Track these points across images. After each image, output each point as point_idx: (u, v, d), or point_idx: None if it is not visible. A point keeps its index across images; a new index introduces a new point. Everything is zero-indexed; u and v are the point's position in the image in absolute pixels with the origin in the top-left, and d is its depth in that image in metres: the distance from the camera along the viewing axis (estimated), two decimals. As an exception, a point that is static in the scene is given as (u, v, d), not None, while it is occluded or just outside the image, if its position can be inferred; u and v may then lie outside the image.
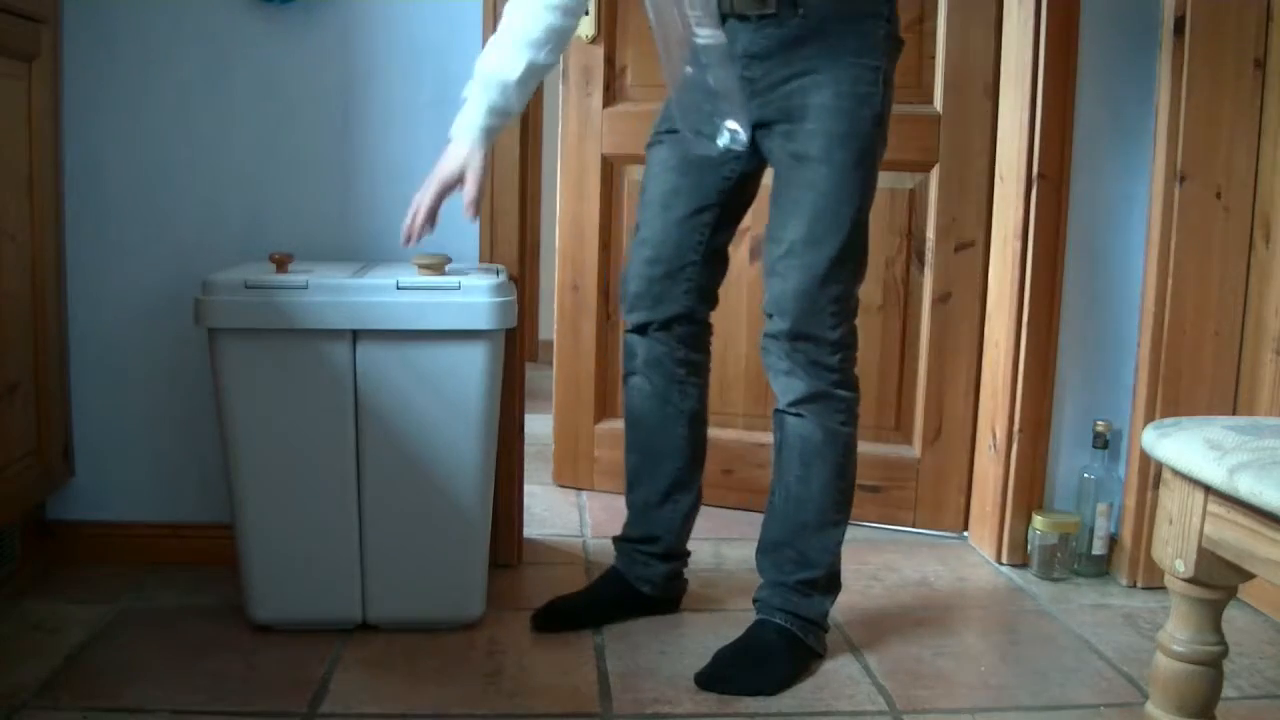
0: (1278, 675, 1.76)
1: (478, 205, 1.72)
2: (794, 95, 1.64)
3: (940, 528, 2.41)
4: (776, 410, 1.74)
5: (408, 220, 1.73)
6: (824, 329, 1.66)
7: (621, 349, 1.87)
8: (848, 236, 1.64)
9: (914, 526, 2.41)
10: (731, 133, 1.55)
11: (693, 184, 1.74)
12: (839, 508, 1.73)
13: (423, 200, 1.73)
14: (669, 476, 1.86)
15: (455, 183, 1.72)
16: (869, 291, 2.32)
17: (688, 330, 1.81)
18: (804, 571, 1.73)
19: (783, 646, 1.72)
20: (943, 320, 2.35)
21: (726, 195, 1.75)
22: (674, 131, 1.73)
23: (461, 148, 1.72)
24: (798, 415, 1.70)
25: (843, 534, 1.75)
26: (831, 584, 1.78)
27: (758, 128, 1.68)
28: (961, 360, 2.35)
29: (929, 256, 2.34)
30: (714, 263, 1.79)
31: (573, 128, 2.50)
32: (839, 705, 1.63)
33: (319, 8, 2.00)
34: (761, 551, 1.79)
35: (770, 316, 1.69)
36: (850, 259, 1.65)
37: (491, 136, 1.73)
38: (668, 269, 1.77)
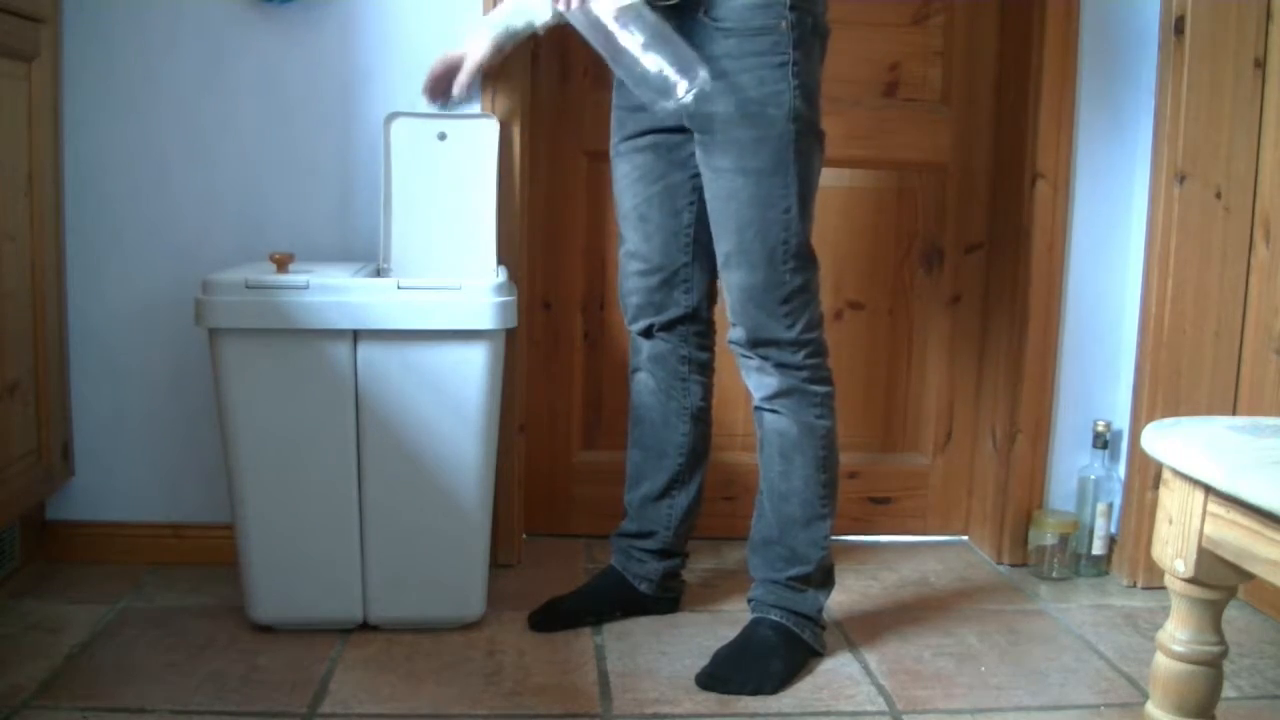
0: (1278, 675, 1.76)
1: (464, 88, 1.85)
2: (700, 104, 1.61)
3: (949, 532, 2.41)
4: (755, 406, 1.75)
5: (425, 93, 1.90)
6: (780, 330, 1.67)
7: (629, 346, 1.89)
8: (780, 238, 1.63)
9: (925, 534, 2.40)
10: (689, 84, 1.52)
11: (662, 190, 1.76)
12: (824, 501, 1.74)
13: (429, 74, 1.88)
14: (669, 472, 1.87)
15: (456, 62, 1.85)
16: (876, 296, 2.33)
17: (691, 329, 1.83)
18: (795, 567, 1.74)
19: (780, 643, 1.72)
20: (954, 323, 2.35)
21: (698, 191, 1.76)
22: (629, 139, 1.77)
23: (477, 36, 1.84)
24: (774, 411, 1.72)
25: (830, 527, 1.75)
26: (825, 579, 1.78)
27: (683, 132, 1.70)
28: (971, 363, 2.35)
29: (938, 259, 2.33)
30: (705, 258, 1.80)
31: (545, 120, 2.21)
32: (839, 705, 1.64)
33: (319, 7, 2.00)
34: (752, 550, 1.79)
35: (732, 325, 1.71)
36: (790, 258, 1.64)
37: (508, 38, 1.86)
38: (663, 277, 1.79)
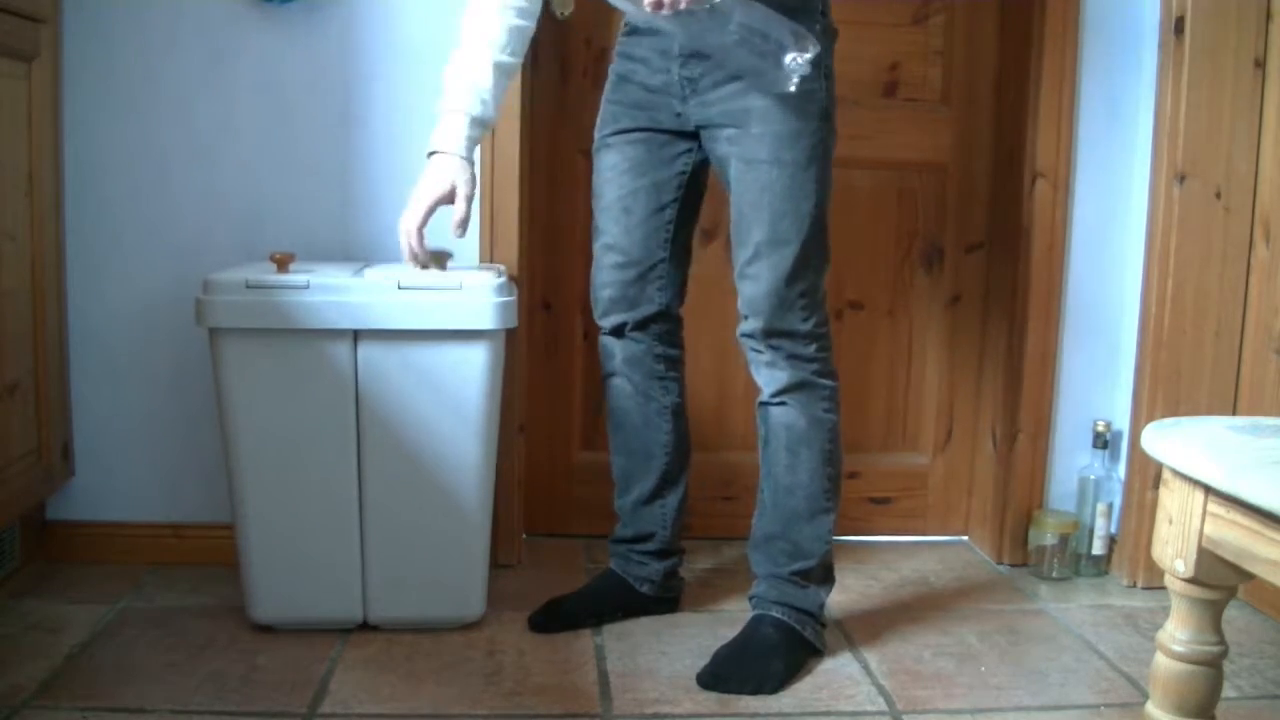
0: (1278, 675, 1.76)
1: (465, 225, 1.70)
2: (735, 98, 1.65)
3: (949, 532, 2.41)
4: (760, 403, 1.76)
5: (404, 246, 1.69)
6: (796, 323, 1.68)
7: (599, 351, 1.88)
8: (809, 233, 1.66)
9: (925, 534, 2.40)
10: (799, 64, 1.51)
11: (649, 184, 1.76)
12: (828, 495, 1.74)
13: (413, 223, 1.68)
14: (658, 473, 1.87)
15: (445, 201, 1.68)
16: (876, 297, 2.33)
17: (663, 328, 1.83)
18: (798, 562, 1.74)
19: (781, 641, 1.72)
20: (953, 323, 2.35)
21: (682, 190, 1.77)
22: (621, 133, 1.77)
23: (448, 164, 1.68)
24: (781, 404, 1.72)
25: (833, 523, 1.76)
26: (826, 575, 1.79)
27: (701, 129, 1.71)
28: (971, 363, 2.35)
29: (938, 259, 2.33)
30: (680, 257, 1.82)
31: (544, 120, 2.21)
32: (839, 705, 1.64)
33: (319, 7, 2.00)
34: (754, 546, 1.79)
35: (745, 318, 1.72)
36: (814, 254, 1.68)
37: (474, 148, 1.71)
38: (639, 271, 1.79)
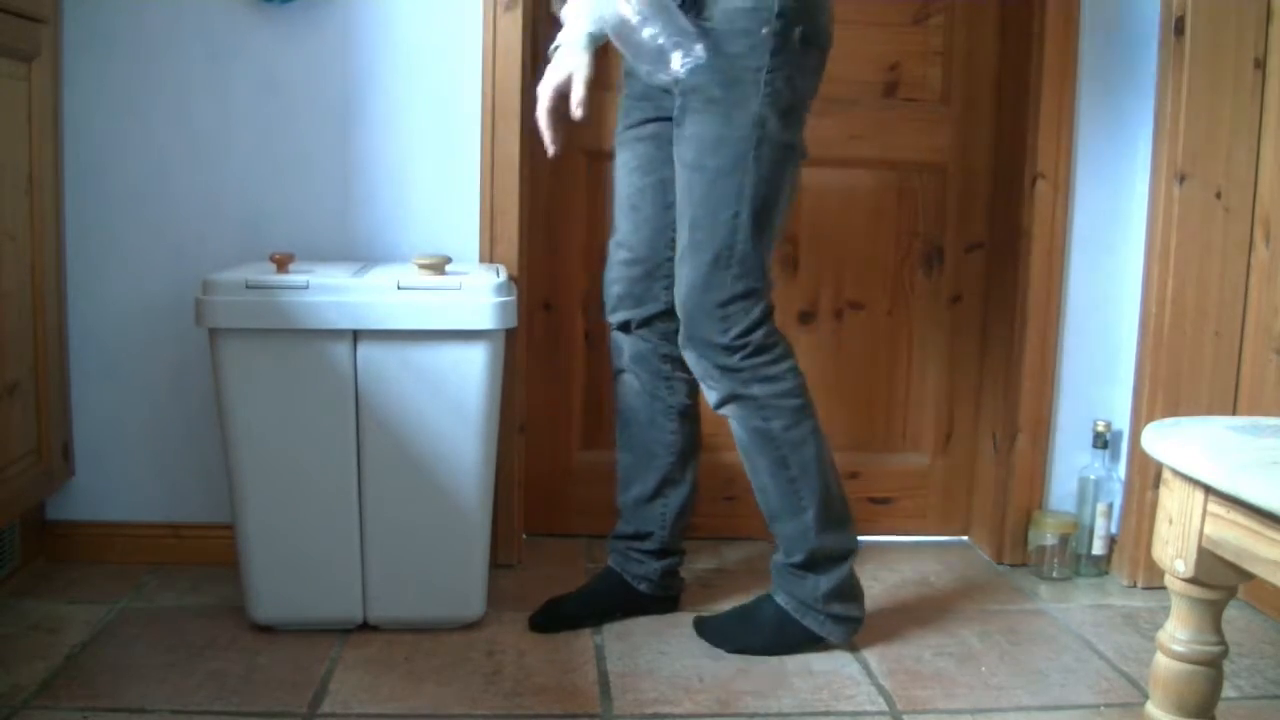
0: (1278, 675, 1.76)
1: (584, 105, 1.64)
2: (679, 98, 1.64)
3: (949, 532, 2.41)
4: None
5: (544, 130, 1.67)
6: (714, 333, 1.66)
7: (609, 347, 1.89)
8: (725, 241, 1.62)
9: (925, 534, 2.40)
10: (684, 56, 1.51)
11: (656, 181, 1.76)
12: (799, 495, 1.73)
13: (545, 97, 1.66)
14: (660, 472, 1.87)
15: (565, 86, 1.65)
16: (876, 297, 2.33)
17: (669, 326, 1.81)
18: (791, 556, 1.76)
19: (773, 621, 1.77)
20: (954, 323, 2.35)
21: None
22: (632, 127, 1.77)
23: (568, 53, 1.65)
24: (727, 415, 1.73)
25: (813, 517, 1.72)
26: (821, 566, 1.75)
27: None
28: (971, 363, 2.35)
29: (938, 259, 2.33)
30: None
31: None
32: (839, 705, 1.64)
33: (319, 8, 2.00)
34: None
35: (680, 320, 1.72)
36: (733, 263, 1.63)
37: (595, 44, 1.67)
38: (646, 268, 1.79)
